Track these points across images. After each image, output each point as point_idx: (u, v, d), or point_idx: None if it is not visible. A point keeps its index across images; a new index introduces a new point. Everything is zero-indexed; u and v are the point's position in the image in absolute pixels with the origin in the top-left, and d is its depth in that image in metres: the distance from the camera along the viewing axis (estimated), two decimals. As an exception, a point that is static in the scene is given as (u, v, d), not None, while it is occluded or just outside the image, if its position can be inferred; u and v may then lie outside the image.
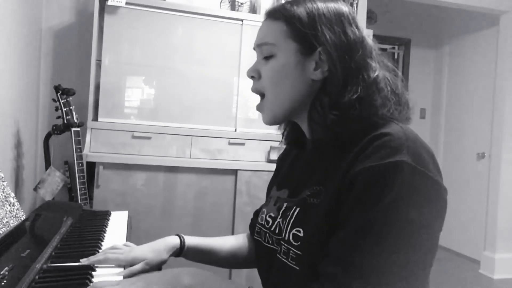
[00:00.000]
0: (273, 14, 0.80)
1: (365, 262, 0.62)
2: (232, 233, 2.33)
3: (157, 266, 0.93)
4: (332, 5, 0.77)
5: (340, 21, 0.76)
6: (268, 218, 0.86)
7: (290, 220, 0.76)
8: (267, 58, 0.80)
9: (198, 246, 1.00)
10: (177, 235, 0.99)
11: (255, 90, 0.83)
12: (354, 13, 0.80)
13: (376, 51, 0.78)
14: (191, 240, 0.99)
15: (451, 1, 3.30)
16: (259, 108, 0.84)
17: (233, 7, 2.58)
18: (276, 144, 2.37)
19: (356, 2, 2.73)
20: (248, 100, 2.45)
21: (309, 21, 0.75)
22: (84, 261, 0.88)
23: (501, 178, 3.44)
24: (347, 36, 0.75)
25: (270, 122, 0.83)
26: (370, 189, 0.64)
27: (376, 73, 0.74)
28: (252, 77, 0.83)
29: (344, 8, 0.78)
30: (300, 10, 0.77)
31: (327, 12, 0.76)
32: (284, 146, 1.02)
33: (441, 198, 0.68)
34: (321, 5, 0.77)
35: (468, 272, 3.57)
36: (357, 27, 0.78)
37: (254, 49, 0.84)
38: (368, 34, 0.81)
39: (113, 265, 0.90)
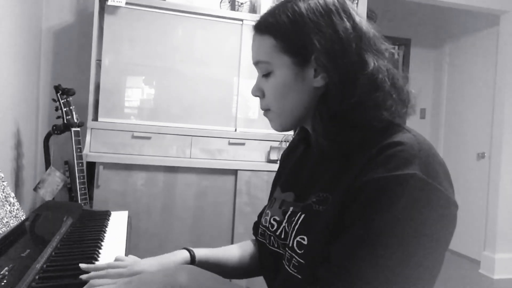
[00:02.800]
0: (259, 29, 0.77)
1: (363, 271, 0.60)
2: (232, 233, 2.33)
3: None
4: (315, 4, 0.72)
5: (329, 19, 0.71)
6: (272, 221, 0.84)
7: (295, 226, 0.74)
8: (266, 75, 0.78)
9: (208, 259, 0.92)
10: (186, 248, 0.91)
11: (263, 108, 0.81)
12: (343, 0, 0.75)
13: (371, 36, 0.73)
14: (200, 253, 0.91)
15: (451, 1, 3.30)
16: (266, 116, 0.82)
17: (233, 7, 2.57)
18: (276, 144, 2.37)
19: (356, 2, 2.73)
20: (248, 100, 2.45)
21: (295, 30, 0.72)
22: (83, 267, 0.81)
23: (501, 178, 3.44)
24: (339, 34, 0.70)
25: (279, 131, 0.82)
26: (376, 200, 0.62)
27: (372, 67, 0.70)
28: (257, 96, 0.82)
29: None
30: (284, 19, 0.73)
31: (312, 15, 0.71)
32: (285, 146, 1.00)
33: (450, 214, 0.65)
34: (304, 8, 0.72)
35: (468, 272, 3.57)
36: (348, 17, 0.72)
37: (253, 64, 0.82)
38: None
39: None
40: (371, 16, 3.93)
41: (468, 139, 4.04)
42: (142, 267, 0.80)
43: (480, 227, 3.68)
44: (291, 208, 0.80)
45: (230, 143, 2.38)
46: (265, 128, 2.40)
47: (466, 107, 4.11)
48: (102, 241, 1.08)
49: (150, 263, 0.82)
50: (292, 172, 0.90)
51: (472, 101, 4.02)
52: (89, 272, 0.79)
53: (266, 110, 0.81)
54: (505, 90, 3.43)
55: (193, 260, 0.89)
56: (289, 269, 0.74)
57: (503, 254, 3.45)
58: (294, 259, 0.73)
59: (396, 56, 0.78)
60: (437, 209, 0.63)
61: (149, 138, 2.26)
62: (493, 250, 3.46)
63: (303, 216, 0.74)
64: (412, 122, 4.42)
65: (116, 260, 0.85)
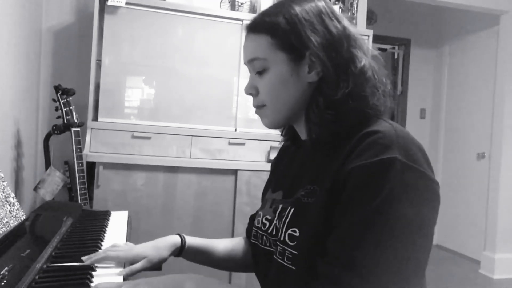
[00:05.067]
0: (254, 28, 0.81)
1: (363, 259, 0.62)
2: (232, 233, 2.33)
3: (157, 264, 0.94)
4: (308, 6, 0.77)
5: (321, 19, 0.76)
6: (264, 221, 0.87)
7: (285, 220, 0.77)
8: (261, 72, 0.80)
9: (198, 246, 1.00)
10: (178, 234, 1.00)
11: (256, 105, 0.84)
12: (331, 4, 0.81)
13: (358, 37, 0.79)
14: (191, 240, 1.00)
15: (451, 1, 3.30)
16: (258, 113, 0.85)
17: (233, 7, 2.58)
18: (276, 144, 2.37)
19: (356, 2, 2.72)
20: (248, 100, 2.45)
21: (292, 28, 0.76)
22: (85, 259, 0.89)
23: (501, 178, 3.44)
24: (331, 32, 0.76)
25: (271, 127, 0.85)
26: (363, 187, 0.64)
27: (363, 63, 0.75)
28: (250, 94, 0.84)
29: (320, 3, 0.79)
30: (280, 20, 0.77)
31: (306, 15, 0.76)
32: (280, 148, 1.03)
33: (433, 192, 0.68)
34: (298, 9, 0.77)
35: (468, 272, 3.57)
36: (337, 19, 0.78)
37: (245, 64, 0.85)
38: (368, 34, 0.81)
39: (113, 265, 0.90)
40: (371, 16, 3.93)
41: (468, 139, 4.04)
42: (137, 250, 0.92)
43: (480, 227, 3.67)
44: (280, 205, 0.82)
45: (230, 143, 2.38)
46: (265, 128, 2.39)
47: (466, 107, 4.11)
48: (102, 241, 1.08)
49: (144, 246, 0.94)
50: (282, 173, 0.93)
51: (472, 101, 4.02)
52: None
53: (260, 107, 0.83)
54: (505, 90, 3.43)
55: (183, 246, 0.98)
56: (283, 262, 0.76)
57: (503, 254, 3.45)
58: (287, 251, 0.75)
59: (381, 58, 0.81)
60: (421, 188, 0.66)
61: (149, 138, 2.26)
62: (493, 250, 3.46)
63: (293, 209, 0.76)
64: (412, 122, 4.42)
65: (113, 246, 0.95)
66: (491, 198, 3.52)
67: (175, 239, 0.98)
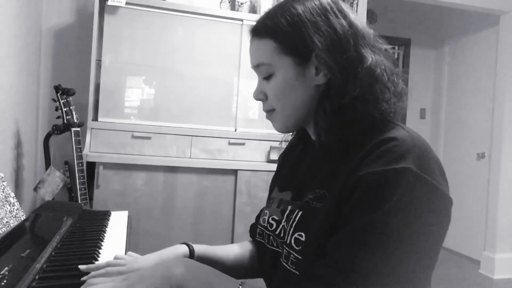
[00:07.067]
0: (257, 32, 0.78)
1: (360, 266, 0.61)
2: (232, 233, 2.33)
3: None
4: (311, 4, 0.74)
5: (326, 18, 0.73)
6: (271, 221, 0.85)
7: (293, 223, 0.75)
8: (267, 77, 0.78)
9: (206, 255, 0.94)
10: (185, 243, 0.93)
11: (266, 110, 0.82)
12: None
13: (365, 32, 0.75)
14: (199, 249, 0.94)
15: (451, 1, 3.29)
16: (268, 118, 0.83)
17: (233, 7, 2.58)
18: (276, 144, 2.37)
19: (356, 2, 2.72)
20: (248, 100, 2.45)
21: (295, 31, 0.73)
22: (83, 269, 0.81)
23: (501, 178, 3.43)
24: (337, 32, 0.72)
25: (282, 131, 0.83)
26: (372, 194, 0.63)
27: (370, 62, 0.72)
28: (259, 99, 0.82)
29: (325, 0, 0.75)
30: (282, 22, 0.74)
31: (309, 15, 0.73)
32: (285, 146, 1.01)
33: (444, 208, 0.66)
34: (301, 9, 0.73)
35: (468, 272, 3.57)
36: (344, 16, 0.74)
37: (252, 69, 0.82)
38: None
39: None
40: (371, 16, 3.94)
41: (468, 139, 4.04)
42: (141, 263, 0.81)
43: (480, 227, 3.67)
44: (289, 207, 0.81)
45: (230, 143, 2.38)
46: (265, 128, 2.41)
47: (466, 107, 4.11)
48: (102, 241, 1.08)
49: (149, 258, 0.84)
50: (290, 171, 0.91)
51: (472, 101, 4.02)
52: (89, 272, 0.79)
53: (270, 111, 0.81)
54: (505, 90, 3.43)
55: (191, 255, 0.91)
56: (287, 266, 0.74)
57: (503, 254, 3.45)
58: (292, 255, 0.73)
59: (391, 53, 0.78)
60: (431, 203, 0.64)
61: (149, 138, 2.26)
62: (493, 250, 3.46)
63: (300, 213, 0.75)
64: (412, 122, 4.42)
65: (115, 258, 0.86)
66: (491, 198, 3.52)
67: (183, 250, 0.90)
